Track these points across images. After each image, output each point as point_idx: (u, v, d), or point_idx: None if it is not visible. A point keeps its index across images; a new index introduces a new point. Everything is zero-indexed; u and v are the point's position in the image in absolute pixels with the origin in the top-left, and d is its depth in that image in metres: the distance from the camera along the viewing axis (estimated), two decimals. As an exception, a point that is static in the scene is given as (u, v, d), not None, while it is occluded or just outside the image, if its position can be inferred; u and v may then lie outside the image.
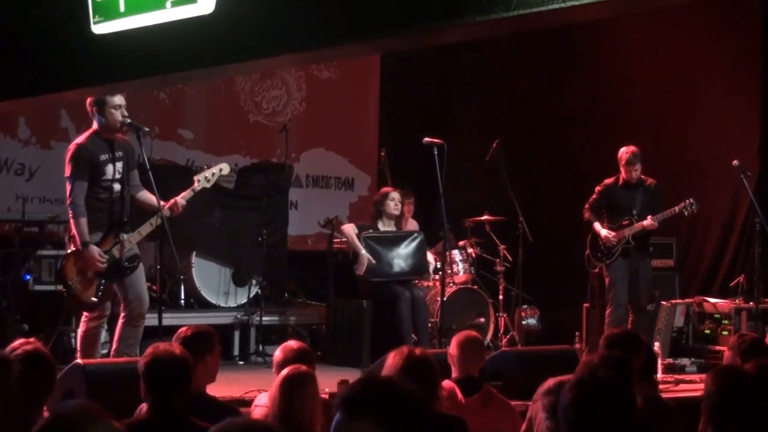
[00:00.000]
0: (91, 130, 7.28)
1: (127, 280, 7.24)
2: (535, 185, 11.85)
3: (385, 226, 9.71)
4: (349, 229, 9.67)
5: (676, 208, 9.30)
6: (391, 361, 4.37)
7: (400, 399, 2.50)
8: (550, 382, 3.72)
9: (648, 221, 9.24)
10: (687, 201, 9.28)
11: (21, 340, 4.50)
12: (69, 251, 7.23)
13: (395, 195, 9.73)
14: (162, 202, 7.25)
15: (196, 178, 7.55)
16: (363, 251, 9.44)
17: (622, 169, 9.36)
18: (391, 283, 9.43)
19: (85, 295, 7.17)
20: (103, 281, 7.17)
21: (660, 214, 9.28)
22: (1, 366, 3.83)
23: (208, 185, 7.59)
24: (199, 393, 4.86)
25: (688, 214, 9.37)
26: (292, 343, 5.15)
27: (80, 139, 7.31)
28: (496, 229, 10.64)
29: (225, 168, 7.75)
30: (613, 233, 9.31)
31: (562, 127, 11.94)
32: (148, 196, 7.39)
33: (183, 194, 7.42)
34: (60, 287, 7.43)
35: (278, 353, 5.10)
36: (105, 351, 7.87)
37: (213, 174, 7.60)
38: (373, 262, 9.44)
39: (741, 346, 5.26)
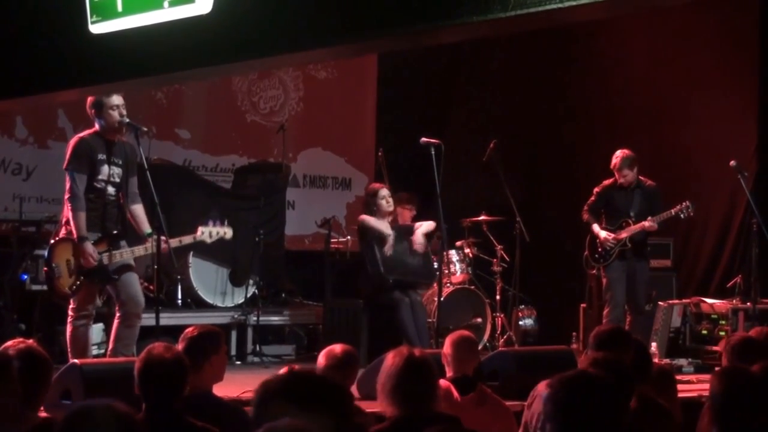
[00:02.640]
0: (93, 129, 7.34)
1: (119, 281, 7.24)
2: (532, 185, 11.86)
3: (378, 222, 9.65)
4: (367, 218, 9.56)
5: (672, 211, 9.31)
6: (391, 361, 4.38)
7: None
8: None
9: (648, 222, 9.25)
10: (684, 204, 9.29)
11: (16, 340, 4.50)
12: (63, 236, 7.23)
13: (385, 192, 9.59)
14: (149, 229, 7.31)
15: (200, 229, 7.69)
16: (388, 231, 9.45)
17: (616, 173, 9.39)
18: (390, 289, 9.38)
19: (62, 283, 7.20)
20: (82, 278, 7.17)
21: (657, 216, 9.29)
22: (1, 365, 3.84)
23: (208, 240, 7.75)
24: (205, 393, 4.85)
25: (684, 217, 9.38)
26: (337, 349, 5.01)
27: (83, 133, 7.38)
28: (493, 230, 10.64)
29: (229, 233, 7.88)
30: (612, 235, 9.32)
31: (559, 128, 11.94)
32: (139, 216, 7.42)
33: (182, 238, 7.53)
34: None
35: (321, 359, 5.02)
36: (102, 351, 7.88)
37: (217, 233, 7.76)
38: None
39: (733, 346, 5.28)
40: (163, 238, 7.20)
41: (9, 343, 4.46)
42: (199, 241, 7.71)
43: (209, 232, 7.70)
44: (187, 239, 7.59)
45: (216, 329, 5.25)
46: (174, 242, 7.38)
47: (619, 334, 5.24)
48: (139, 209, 7.44)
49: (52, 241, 7.35)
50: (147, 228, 7.34)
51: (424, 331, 9.28)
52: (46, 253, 7.42)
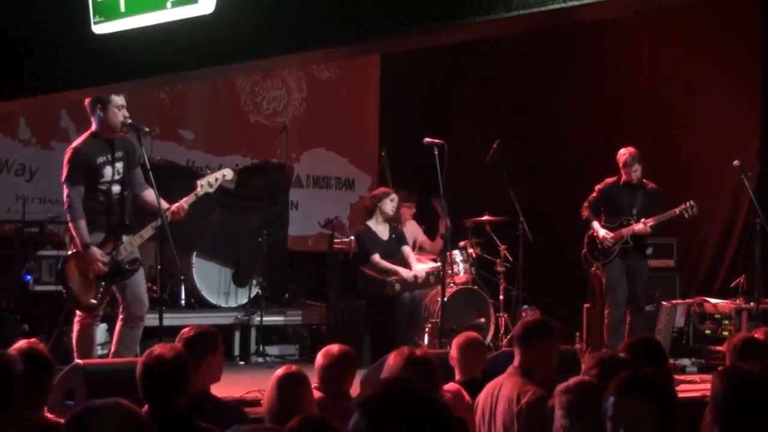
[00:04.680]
0: (88, 132, 7.23)
1: (125, 281, 7.23)
2: (536, 185, 11.84)
3: (377, 225, 9.69)
4: (377, 259, 9.62)
5: (677, 210, 9.31)
6: (392, 361, 4.38)
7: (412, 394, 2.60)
8: (570, 381, 3.74)
9: (639, 226, 9.23)
10: (688, 203, 9.27)
11: (21, 341, 4.51)
12: (70, 252, 7.20)
13: (395, 197, 9.71)
14: (166, 204, 7.23)
15: (198, 182, 7.50)
16: (384, 236, 9.56)
17: (622, 171, 9.37)
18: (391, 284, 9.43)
19: (85, 297, 7.13)
20: (103, 283, 7.15)
21: (659, 215, 9.29)
22: (3, 364, 3.84)
23: (210, 190, 7.55)
24: (203, 393, 4.86)
25: (688, 217, 9.37)
26: (334, 348, 5.07)
27: (77, 142, 7.25)
28: (496, 229, 10.63)
29: (228, 173, 7.69)
30: (611, 233, 9.31)
31: (563, 128, 11.94)
32: (152, 197, 7.29)
33: (186, 198, 7.37)
34: (60, 288, 7.40)
35: (319, 358, 5.05)
36: (106, 351, 7.87)
37: (216, 179, 7.55)
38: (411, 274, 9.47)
39: (735, 347, 5.28)
40: (167, 205, 7.18)
41: (16, 344, 4.47)
42: (203, 195, 7.48)
43: (208, 182, 7.49)
44: (189, 198, 7.37)
45: (213, 330, 5.26)
46: (181, 204, 7.32)
47: (544, 325, 5.25)
48: (149, 193, 7.31)
49: (63, 259, 7.30)
50: (164, 204, 7.24)
51: (413, 329, 9.37)
52: (58, 270, 7.37)
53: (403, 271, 9.44)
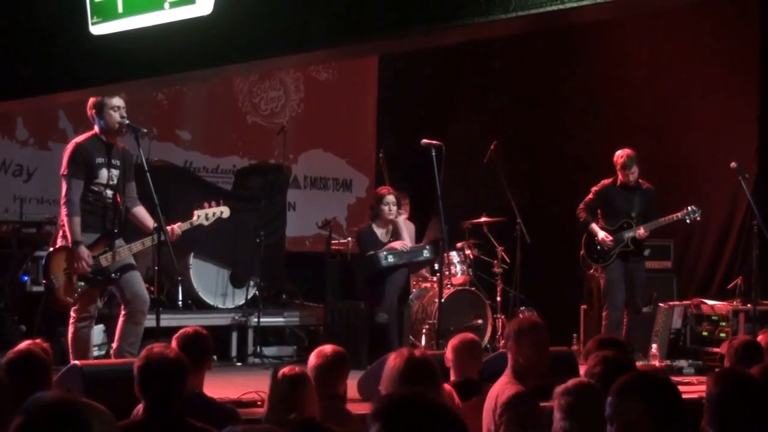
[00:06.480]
0: (91, 132, 7.29)
1: (122, 281, 7.21)
2: (533, 186, 11.85)
3: (379, 228, 9.73)
4: (362, 231, 9.85)
5: (678, 215, 9.31)
6: (392, 363, 4.37)
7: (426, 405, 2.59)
8: (569, 383, 3.74)
9: (641, 231, 9.25)
10: (689, 208, 9.29)
11: (27, 342, 4.52)
12: (59, 246, 7.19)
13: (390, 198, 9.70)
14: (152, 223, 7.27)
15: (196, 212, 7.59)
16: (384, 239, 9.70)
17: (619, 173, 9.37)
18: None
19: (63, 292, 7.13)
20: (82, 283, 7.15)
21: (661, 219, 9.31)
22: None
23: (206, 223, 7.65)
24: (198, 394, 4.88)
25: (690, 221, 9.39)
26: (327, 349, 5.08)
27: (80, 138, 7.32)
28: (493, 231, 10.63)
29: (226, 212, 7.78)
30: (610, 236, 9.31)
31: (560, 129, 11.94)
32: (142, 215, 7.39)
33: (179, 224, 7.44)
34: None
35: (312, 359, 5.06)
36: (103, 352, 7.86)
37: (213, 214, 7.66)
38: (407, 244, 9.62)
39: (737, 350, 5.29)
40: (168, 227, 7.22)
41: (21, 345, 4.47)
42: (197, 225, 7.57)
43: (205, 214, 7.59)
44: (184, 225, 7.46)
45: (206, 332, 5.29)
46: (173, 228, 7.35)
47: (536, 324, 5.32)
48: (140, 210, 7.43)
49: (49, 251, 7.30)
50: (153, 223, 7.30)
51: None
52: (43, 261, 7.39)
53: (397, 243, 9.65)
